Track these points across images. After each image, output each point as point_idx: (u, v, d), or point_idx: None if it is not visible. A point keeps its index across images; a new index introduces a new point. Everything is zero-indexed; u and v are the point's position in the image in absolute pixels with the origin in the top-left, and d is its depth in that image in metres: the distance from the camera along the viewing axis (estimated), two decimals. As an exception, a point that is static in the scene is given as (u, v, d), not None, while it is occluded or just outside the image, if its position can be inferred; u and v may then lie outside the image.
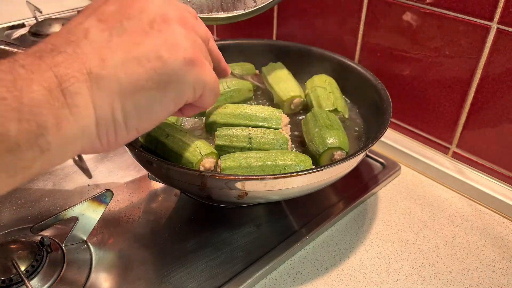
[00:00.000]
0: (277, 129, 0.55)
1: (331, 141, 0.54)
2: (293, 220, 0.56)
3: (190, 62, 0.33)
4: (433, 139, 0.67)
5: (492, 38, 0.55)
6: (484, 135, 0.60)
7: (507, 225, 0.57)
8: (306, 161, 0.50)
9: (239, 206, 0.57)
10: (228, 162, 0.49)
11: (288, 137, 0.54)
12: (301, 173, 0.44)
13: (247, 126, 0.55)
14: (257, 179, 0.43)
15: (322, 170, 0.45)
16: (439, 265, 0.51)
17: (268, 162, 0.49)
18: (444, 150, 0.66)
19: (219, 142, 0.53)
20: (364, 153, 0.49)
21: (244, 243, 0.52)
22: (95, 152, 0.33)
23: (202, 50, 0.36)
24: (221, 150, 0.53)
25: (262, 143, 0.52)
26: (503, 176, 0.60)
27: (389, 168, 0.65)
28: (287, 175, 0.44)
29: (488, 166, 0.61)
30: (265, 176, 0.43)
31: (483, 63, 0.57)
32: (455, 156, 0.65)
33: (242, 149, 0.52)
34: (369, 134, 0.59)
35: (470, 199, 0.61)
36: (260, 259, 0.50)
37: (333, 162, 0.48)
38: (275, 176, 0.44)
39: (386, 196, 0.62)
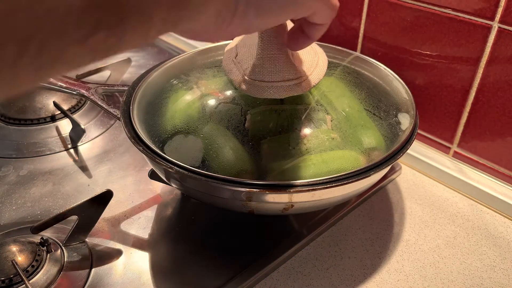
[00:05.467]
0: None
1: (367, 141, 0.54)
2: (294, 220, 0.56)
3: None
4: (434, 138, 0.67)
5: (493, 37, 0.55)
6: (486, 134, 0.60)
7: (509, 225, 0.57)
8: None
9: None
10: (291, 174, 0.48)
11: (340, 141, 0.55)
12: (349, 180, 0.43)
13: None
14: (307, 190, 0.42)
15: (370, 176, 0.44)
16: (440, 265, 0.51)
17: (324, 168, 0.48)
18: (445, 149, 0.66)
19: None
20: (403, 153, 0.49)
21: (244, 243, 0.52)
22: (200, 36, 0.32)
23: None
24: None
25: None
26: (504, 176, 0.60)
27: (390, 167, 0.65)
28: (337, 184, 0.43)
29: (490, 166, 0.61)
30: (315, 187, 0.42)
31: (485, 62, 0.57)
32: (456, 155, 0.65)
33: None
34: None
35: (471, 199, 0.61)
36: (260, 259, 0.49)
37: (376, 164, 0.47)
38: (325, 186, 0.42)
39: (387, 195, 0.61)
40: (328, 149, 0.54)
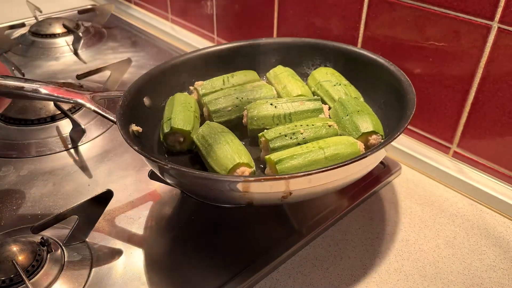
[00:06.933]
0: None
1: (365, 125, 0.53)
2: (294, 220, 0.56)
3: None
4: (434, 138, 0.67)
5: (493, 37, 0.55)
6: (485, 134, 0.60)
7: (508, 225, 0.57)
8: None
9: (240, 206, 0.57)
10: (287, 163, 0.48)
11: (337, 128, 0.55)
12: (344, 162, 0.42)
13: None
14: (302, 175, 0.41)
15: (365, 157, 0.43)
16: (439, 265, 0.51)
17: (330, 152, 0.49)
18: (445, 149, 0.66)
19: (275, 145, 0.52)
20: (401, 132, 0.48)
21: (244, 242, 0.52)
22: None
23: None
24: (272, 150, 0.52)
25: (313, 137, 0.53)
26: (504, 176, 0.60)
27: (390, 167, 0.65)
28: (331, 167, 0.42)
29: (489, 166, 0.61)
30: (311, 172, 0.41)
31: (484, 62, 0.57)
32: (456, 155, 0.65)
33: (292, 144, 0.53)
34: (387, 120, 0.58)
35: (471, 199, 0.61)
36: (260, 259, 0.50)
37: (375, 147, 0.46)
38: (320, 170, 0.41)
39: (387, 196, 0.61)
40: (325, 136, 0.53)
